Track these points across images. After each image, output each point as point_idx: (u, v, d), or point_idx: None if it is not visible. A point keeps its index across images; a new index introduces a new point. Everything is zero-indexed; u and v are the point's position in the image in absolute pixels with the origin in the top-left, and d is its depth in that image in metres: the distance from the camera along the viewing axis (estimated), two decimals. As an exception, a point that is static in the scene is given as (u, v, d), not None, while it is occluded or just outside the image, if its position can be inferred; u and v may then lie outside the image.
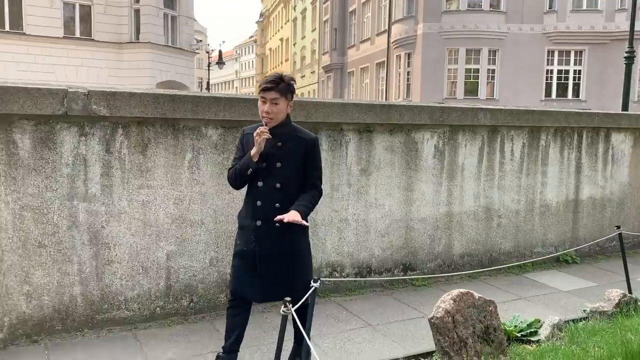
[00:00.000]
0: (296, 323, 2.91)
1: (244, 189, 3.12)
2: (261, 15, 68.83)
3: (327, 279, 4.61)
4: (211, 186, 4.12)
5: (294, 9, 49.71)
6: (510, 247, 5.77)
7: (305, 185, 3.05)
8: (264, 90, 2.89)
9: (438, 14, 25.61)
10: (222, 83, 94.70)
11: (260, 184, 2.97)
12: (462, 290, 3.55)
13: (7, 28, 19.91)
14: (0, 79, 18.80)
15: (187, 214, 4.04)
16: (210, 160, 4.11)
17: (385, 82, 29.97)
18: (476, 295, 3.57)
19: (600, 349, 3.44)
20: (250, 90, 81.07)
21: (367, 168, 4.83)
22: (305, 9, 45.83)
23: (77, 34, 21.10)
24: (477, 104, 7.27)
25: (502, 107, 5.60)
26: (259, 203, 2.98)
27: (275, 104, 2.89)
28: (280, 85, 2.89)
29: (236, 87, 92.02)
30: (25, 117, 3.48)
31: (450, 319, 3.39)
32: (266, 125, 2.90)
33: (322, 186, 4.64)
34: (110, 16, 21.21)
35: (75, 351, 3.51)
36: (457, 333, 3.39)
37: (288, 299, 2.46)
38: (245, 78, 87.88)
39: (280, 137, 2.94)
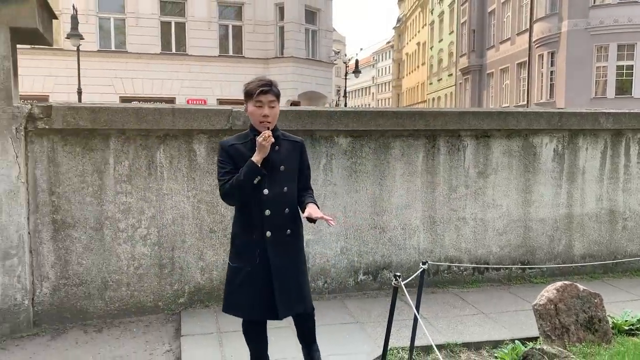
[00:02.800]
0: (305, 328, 3.10)
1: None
2: (398, 20, 69.40)
3: (445, 263, 5.11)
4: (341, 186, 4.86)
5: (431, 13, 49.55)
6: (638, 250, 5.75)
7: (302, 186, 3.03)
8: (261, 93, 2.78)
9: (585, 9, 24.22)
10: (358, 90, 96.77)
11: (266, 191, 2.82)
12: (566, 282, 3.87)
13: (173, 50, 22.89)
14: (169, 95, 21.59)
15: (321, 208, 4.79)
16: (340, 164, 4.85)
17: (527, 82, 28.89)
18: (581, 287, 3.87)
19: None
20: (387, 95, 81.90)
21: (485, 171, 5.24)
22: (442, 12, 45.52)
23: (230, 52, 23.52)
24: (602, 107, 7.15)
25: (627, 111, 5.63)
26: (267, 212, 2.83)
27: (272, 107, 2.83)
28: (274, 89, 2.84)
29: (372, 93, 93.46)
30: (201, 132, 4.51)
31: (552, 306, 3.74)
32: (267, 129, 2.79)
33: (441, 187, 5.17)
34: (258, 34, 23.33)
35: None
36: (559, 319, 3.73)
37: (398, 273, 3.04)
38: (381, 84, 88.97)
39: (276, 141, 2.87)
